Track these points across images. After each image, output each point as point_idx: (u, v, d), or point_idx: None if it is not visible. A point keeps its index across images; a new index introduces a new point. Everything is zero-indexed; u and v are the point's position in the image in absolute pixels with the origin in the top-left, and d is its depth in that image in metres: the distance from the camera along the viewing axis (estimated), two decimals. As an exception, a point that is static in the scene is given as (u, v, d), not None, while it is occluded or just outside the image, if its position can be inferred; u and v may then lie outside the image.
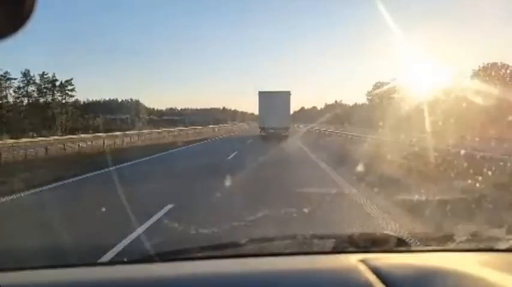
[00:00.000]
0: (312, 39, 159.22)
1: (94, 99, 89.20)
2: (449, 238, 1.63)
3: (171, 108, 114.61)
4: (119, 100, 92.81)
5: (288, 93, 28.91)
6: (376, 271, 1.14)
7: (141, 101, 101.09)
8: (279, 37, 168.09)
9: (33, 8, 0.83)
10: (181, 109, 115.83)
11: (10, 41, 0.85)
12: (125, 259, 1.43)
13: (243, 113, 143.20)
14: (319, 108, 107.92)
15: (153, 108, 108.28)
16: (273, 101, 27.52)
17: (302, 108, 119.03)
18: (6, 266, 1.35)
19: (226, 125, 71.07)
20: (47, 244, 3.88)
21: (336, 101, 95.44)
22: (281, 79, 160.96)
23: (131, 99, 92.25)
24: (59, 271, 1.33)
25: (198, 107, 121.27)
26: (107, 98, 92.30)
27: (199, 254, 1.46)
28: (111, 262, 1.45)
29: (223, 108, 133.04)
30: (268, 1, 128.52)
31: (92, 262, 1.43)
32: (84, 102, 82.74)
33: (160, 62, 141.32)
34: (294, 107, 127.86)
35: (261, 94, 28.95)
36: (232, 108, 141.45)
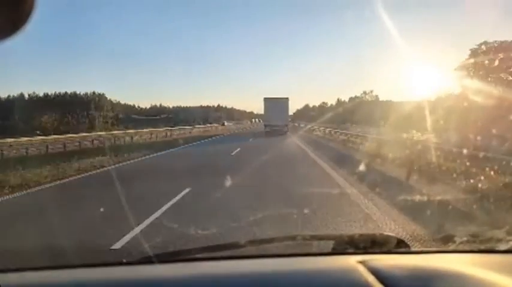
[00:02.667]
0: (311, 37, 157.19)
1: (49, 92, 73.73)
2: (449, 239, 1.62)
3: (156, 106, 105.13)
4: (79, 94, 75.16)
5: (287, 99, 36.41)
6: (376, 272, 1.15)
7: (120, 98, 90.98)
8: (282, 34, 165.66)
9: (33, 9, 0.84)
10: (173, 107, 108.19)
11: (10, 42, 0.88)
12: (125, 260, 1.42)
13: (241, 112, 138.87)
14: (329, 104, 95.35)
15: (134, 106, 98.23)
16: (275, 105, 34.79)
17: (306, 106, 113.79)
18: (6, 266, 1.36)
19: (209, 125, 63.97)
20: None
21: (364, 92, 73.46)
22: (284, 75, 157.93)
23: (94, 93, 75.09)
24: (58, 271, 1.34)
25: (191, 105, 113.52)
26: (64, 92, 74.75)
27: (199, 256, 1.46)
28: (111, 263, 1.40)
29: (218, 106, 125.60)
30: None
31: (91, 262, 1.42)
32: (29, 95, 70.29)
33: (153, 60, 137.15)
34: (297, 105, 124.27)
35: (266, 100, 36.36)
36: (229, 106, 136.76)
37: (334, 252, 1.47)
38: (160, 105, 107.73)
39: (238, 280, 1.20)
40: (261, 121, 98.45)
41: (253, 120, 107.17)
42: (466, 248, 1.54)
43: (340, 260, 1.37)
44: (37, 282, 1.23)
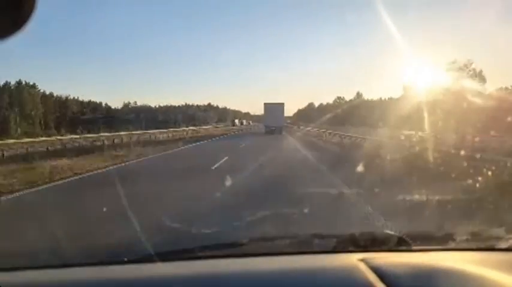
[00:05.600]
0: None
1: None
2: (449, 237, 1.63)
3: (129, 104, 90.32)
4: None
5: (282, 104, 43.25)
6: (377, 270, 1.16)
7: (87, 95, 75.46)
8: (281, 32, 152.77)
9: (33, 9, 0.84)
10: (158, 107, 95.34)
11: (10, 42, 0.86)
12: (125, 259, 1.41)
13: (235, 112, 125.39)
14: (347, 99, 78.29)
15: (101, 104, 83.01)
16: (273, 109, 41.27)
17: (310, 105, 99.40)
18: (6, 266, 1.36)
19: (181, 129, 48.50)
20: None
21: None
22: (284, 75, 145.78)
23: (19, 83, 55.14)
24: (58, 271, 1.34)
25: (175, 104, 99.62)
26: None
27: (200, 254, 1.47)
28: (111, 262, 1.39)
29: (209, 104, 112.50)
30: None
31: (91, 261, 1.41)
32: None
33: (141, 56, 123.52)
34: (299, 104, 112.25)
35: (265, 105, 42.95)
36: (221, 106, 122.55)
37: (336, 250, 1.49)
38: (135, 103, 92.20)
39: (240, 278, 1.21)
40: (250, 123, 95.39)
41: (236, 121, 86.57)
42: (467, 246, 1.57)
43: (341, 258, 1.39)
44: (37, 281, 1.24)
